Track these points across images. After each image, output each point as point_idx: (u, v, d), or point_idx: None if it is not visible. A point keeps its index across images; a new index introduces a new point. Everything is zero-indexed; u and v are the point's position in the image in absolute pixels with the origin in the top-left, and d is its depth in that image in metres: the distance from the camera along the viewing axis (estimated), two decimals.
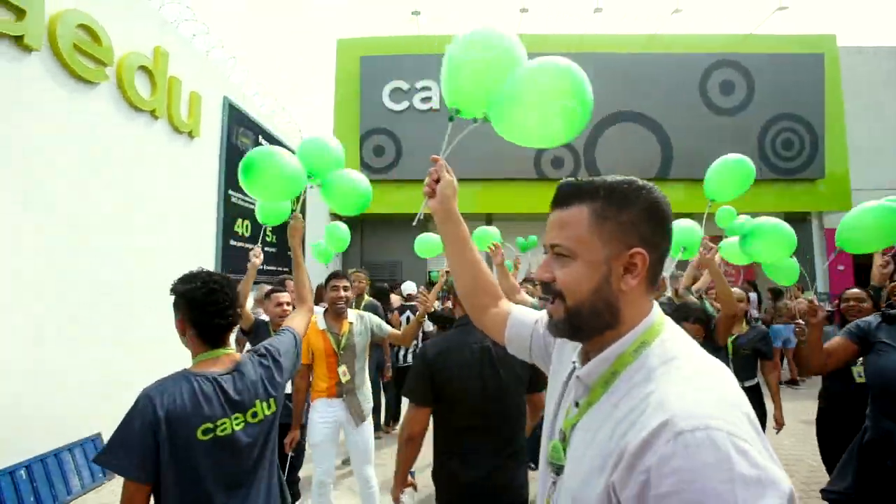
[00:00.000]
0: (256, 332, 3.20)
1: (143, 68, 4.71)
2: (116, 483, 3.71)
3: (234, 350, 1.52)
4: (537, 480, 0.91)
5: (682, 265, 3.55)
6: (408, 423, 1.87)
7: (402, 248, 11.14)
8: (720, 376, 0.67)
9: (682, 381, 0.65)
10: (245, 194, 6.74)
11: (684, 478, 0.55)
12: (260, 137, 7.24)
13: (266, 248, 7.39)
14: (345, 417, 2.79)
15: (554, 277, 0.76)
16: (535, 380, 1.98)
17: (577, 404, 0.79)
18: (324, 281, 3.03)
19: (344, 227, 3.81)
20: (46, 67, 3.65)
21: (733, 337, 3.16)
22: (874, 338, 2.01)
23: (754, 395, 2.89)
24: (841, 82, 10.74)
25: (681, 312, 2.82)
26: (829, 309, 3.14)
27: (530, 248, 7.04)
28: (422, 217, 1.46)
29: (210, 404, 1.36)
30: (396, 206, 9.44)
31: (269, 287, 3.41)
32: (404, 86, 10.52)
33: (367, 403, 2.90)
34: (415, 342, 5.08)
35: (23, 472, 3.18)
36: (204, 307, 1.41)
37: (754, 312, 7.69)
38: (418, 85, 10.47)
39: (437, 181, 1.17)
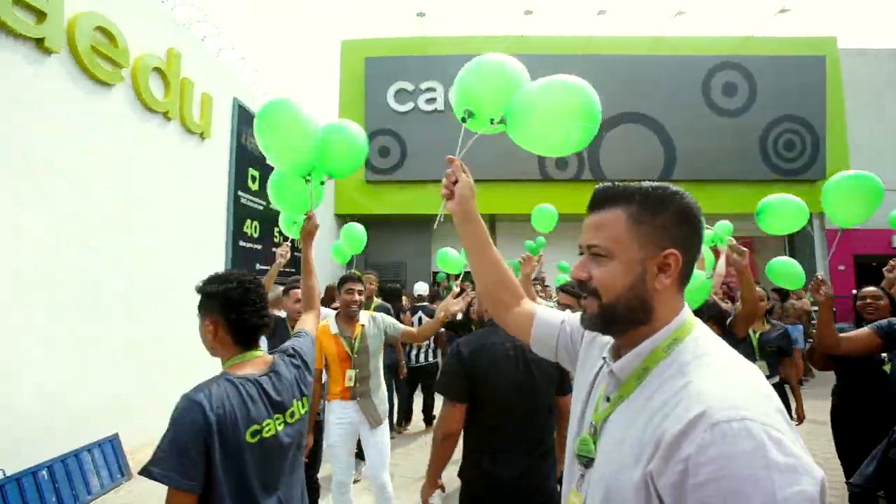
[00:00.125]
0: (275, 329, 3.22)
1: (157, 70, 4.74)
2: (135, 483, 3.73)
3: (264, 351, 1.51)
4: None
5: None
6: (444, 421, 1.86)
7: (407, 249, 11.21)
8: (750, 372, 0.71)
9: (715, 375, 0.68)
10: (254, 195, 6.76)
11: (722, 465, 0.57)
12: None
13: (275, 250, 7.41)
14: (359, 420, 2.80)
15: (590, 276, 0.80)
16: (563, 382, 2.00)
17: (607, 399, 0.81)
18: (336, 283, 3.01)
19: (360, 227, 3.83)
20: (67, 70, 3.67)
21: (756, 334, 3.22)
22: None
23: (779, 392, 2.94)
24: (842, 84, 10.84)
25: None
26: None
27: (540, 249, 7.08)
28: (441, 219, 1.46)
29: (256, 406, 1.36)
30: (401, 207, 9.47)
31: (282, 287, 3.43)
32: (409, 87, 10.55)
33: (383, 406, 2.89)
34: (427, 342, 5.10)
35: (45, 472, 3.20)
36: (241, 307, 1.39)
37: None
38: (423, 86, 10.50)
39: (455, 182, 1.16)
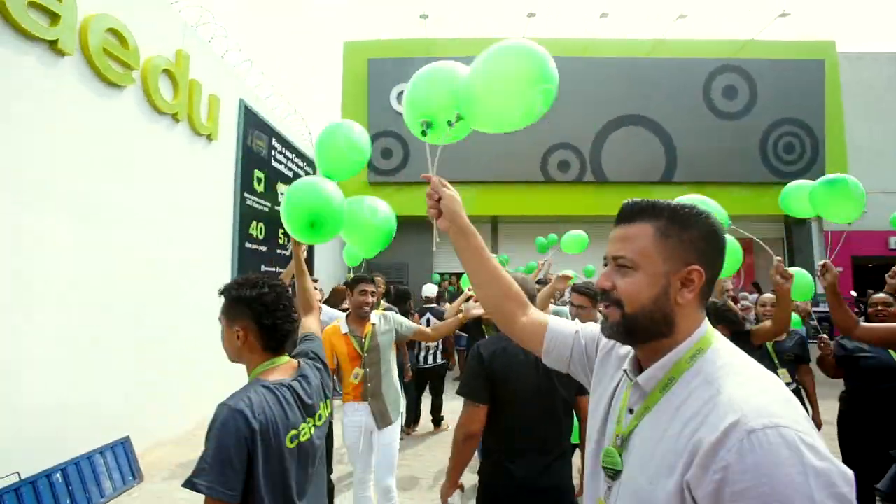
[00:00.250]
0: None
1: (166, 71, 4.73)
2: (147, 486, 3.72)
3: (289, 356, 1.51)
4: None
5: None
6: (466, 422, 1.88)
7: (409, 251, 11.19)
8: (773, 379, 0.73)
9: (742, 384, 0.70)
10: (260, 197, 6.76)
11: (761, 472, 0.59)
12: (273, 140, 7.26)
13: (280, 252, 7.41)
14: (370, 421, 2.79)
15: (614, 286, 0.82)
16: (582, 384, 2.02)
17: (630, 410, 0.83)
18: (348, 284, 3.00)
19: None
20: (79, 72, 3.67)
21: (772, 343, 3.24)
22: None
23: (797, 397, 2.96)
24: (841, 87, 10.95)
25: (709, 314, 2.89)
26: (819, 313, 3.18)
27: (551, 247, 7.10)
28: (438, 240, 1.39)
29: (293, 411, 1.36)
30: (403, 209, 9.40)
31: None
32: None
33: (396, 406, 2.87)
34: (435, 344, 5.11)
35: (59, 475, 3.20)
36: (275, 312, 1.38)
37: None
38: None
39: (440, 200, 1.12)
